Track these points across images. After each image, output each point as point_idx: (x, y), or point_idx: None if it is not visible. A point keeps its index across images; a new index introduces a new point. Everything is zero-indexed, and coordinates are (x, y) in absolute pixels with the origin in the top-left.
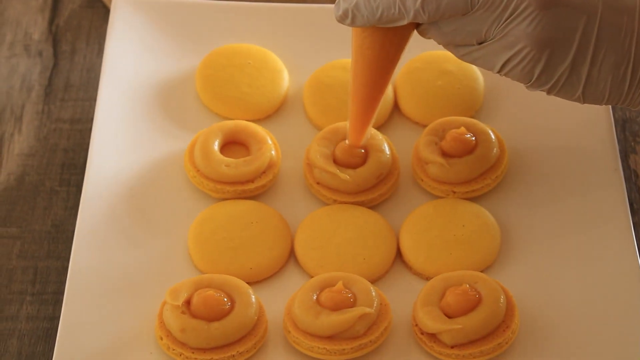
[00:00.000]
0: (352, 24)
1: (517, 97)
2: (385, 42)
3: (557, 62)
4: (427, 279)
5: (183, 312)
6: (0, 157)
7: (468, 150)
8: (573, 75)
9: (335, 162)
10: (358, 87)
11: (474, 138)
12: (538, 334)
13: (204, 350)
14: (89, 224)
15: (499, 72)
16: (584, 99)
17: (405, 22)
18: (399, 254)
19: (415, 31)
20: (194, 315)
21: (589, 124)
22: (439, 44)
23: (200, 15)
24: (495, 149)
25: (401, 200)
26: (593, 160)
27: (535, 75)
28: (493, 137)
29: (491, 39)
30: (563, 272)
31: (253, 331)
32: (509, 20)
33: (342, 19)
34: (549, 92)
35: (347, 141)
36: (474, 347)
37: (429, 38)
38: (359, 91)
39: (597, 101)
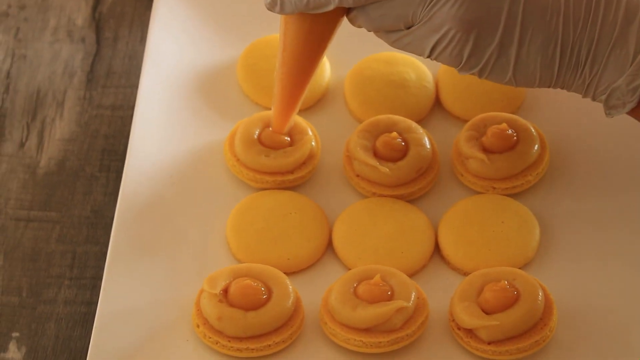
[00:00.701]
0: (281, 11)
1: (560, 92)
2: (313, 29)
3: (485, 43)
4: (465, 274)
5: (220, 301)
6: (41, 142)
7: (509, 146)
8: (502, 57)
9: (376, 155)
10: (284, 74)
11: (515, 134)
12: (576, 333)
13: (240, 339)
14: (128, 210)
15: (429, 56)
16: (516, 81)
17: (332, 6)
18: (437, 248)
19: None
20: (231, 304)
21: (631, 121)
22: (370, 31)
23: (243, 5)
24: (536, 145)
25: (441, 195)
26: (636, 159)
27: (464, 58)
28: (534, 133)
29: (418, 23)
30: (603, 270)
31: (289, 322)
32: (433, 2)
33: (271, 7)
34: (480, 74)
35: (270, 128)
36: (510, 344)
37: (359, 26)
38: (285, 78)
39: (529, 84)
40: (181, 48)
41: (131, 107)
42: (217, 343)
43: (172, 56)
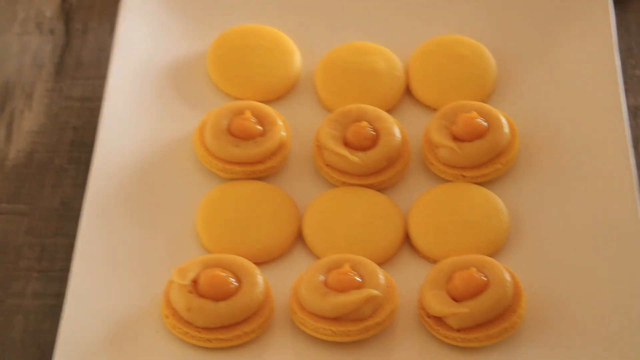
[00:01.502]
0: None
1: (530, 82)
2: None
3: None
4: (435, 262)
5: (190, 291)
6: (10, 134)
7: (479, 134)
8: None
9: (346, 144)
10: None
11: (485, 123)
12: (545, 319)
13: (209, 329)
14: (97, 202)
15: None
16: None
17: None
18: (407, 237)
19: None
20: (201, 295)
21: (601, 111)
22: None
23: None
24: (506, 134)
25: (411, 183)
26: (604, 147)
27: None
28: (504, 122)
29: None
30: (571, 258)
31: (259, 311)
32: None
33: None
34: None
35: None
36: (480, 331)
37: None
38: None
39: None
40: (150, 39)
41: (100, 99)
42: (186, 334)
43: (142, 47)
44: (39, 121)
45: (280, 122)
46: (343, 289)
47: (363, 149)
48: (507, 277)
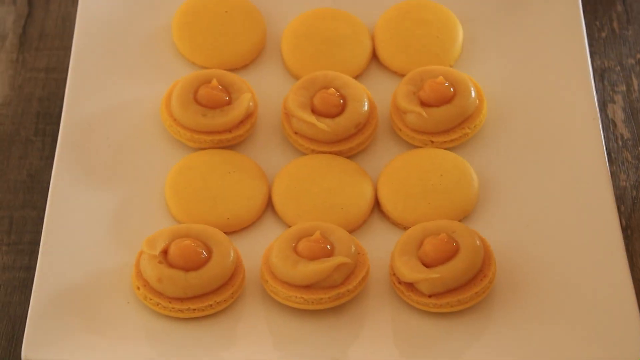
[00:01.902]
0: None
1: (496, 46)
2: None
3: None
4: (405, 228)
5: (160, 262)
6: None
7: (446, 99)
8: None
9: (313, 111)
10: None
11: (452, 88)
12: (516, 284)
13: (181, 299)
14: (64, 174)
15: None
16: None
17: None
18: (377, 203)
19: None
20: (171, 265)
21: (568, 74)
22: None
23: None
24: (473, 98)
25: (379, 149)
26: (571, 110)
27: None
28: (472, 86)
29: None
30: (541, 221)
31: (230, 281)
32: None
33: None
34: None
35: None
36: (451, 296)
37: None
38: None
39: None
40: (115, 7)
41: (65, 70)
42: (157, 304)
43: (106, 16)
44: (3, 93)
45: (247, 90)
46: (314, 256)
47: (331, 115)
48: (478, 242)
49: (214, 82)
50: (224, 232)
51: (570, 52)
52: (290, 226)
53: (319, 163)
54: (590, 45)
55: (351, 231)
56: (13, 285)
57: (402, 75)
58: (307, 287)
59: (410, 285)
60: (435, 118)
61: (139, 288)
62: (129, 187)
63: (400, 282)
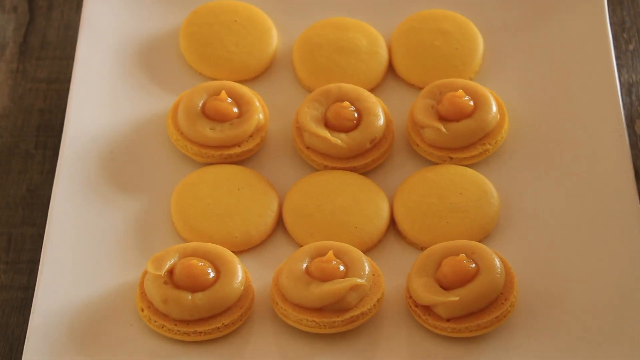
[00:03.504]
0: None
1: (519, 58)
2: None
3: None
4: (422, 249)
5: (165, 282)
6: None
7: (466, 114)
8: None
9: (327, 125)
10: None
11: (472, 101)
12: (538, 307)
13: (187, 322)
14: (66, 189)
15: None
16: None
17: None
18: (392, 222)
19: None
20: (177, 286)
21: (594, 88)
22: None
23: None
24: (494, 112)
25: (395, 166)
26: (597, 126)
27: None
28: (492, 100)
29: None
30: (565, 242)
31: (239, 303)
32: None
33: None
34: None
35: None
36: (470, 321)
37: None
38: None
39: None
40: (120, 16)
41: (68, 80)
42: (162, 327)
43: (110, 25)
44: (3, 104)
45: (257, 103)
46: (326, 278)
47: (345, 130)
48: (498, 263)
49: (223, 94)
50: (233, 252)
51: (596, 65)
52: (301, 245)
53: (332, 180)
54: (617, 58)
55: (366, 251)
56: (11, 305)
57: (420, 89)
58: (320, 309)
59: (428, 309)
60: (454, 133)
61: (143, 310)
62: (133, 204)
63: (416, 305)
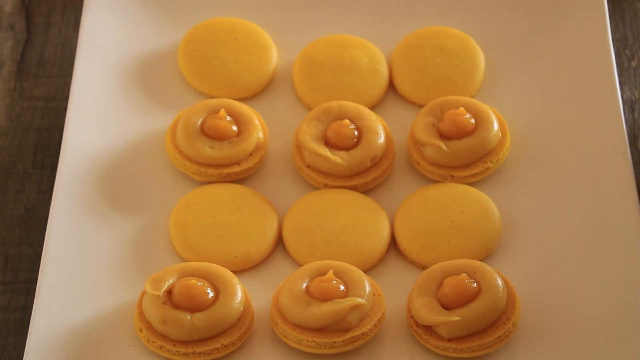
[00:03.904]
0: None
1: (520, 76)
2: None
3: None
4: (423, 268)
5: (164, 303)
6: None
7: (467, 132)
8: None
9: (327, 143)
10: None
11: (473, 119)
12: (541, 327)
13: (186, 342)
14: (63, 208)
15: None
16: None
17: None
18: (393, 241)
19: None
20: (176, 306)
21: (596, 105)
22: None
23: None
24: (496, 130)
25: (396, 184)
26: (600, 143)
27: None
28: (494, 118)
29: None
30: (567, 261)
31: (238, 323)
32: None
33: None
34: None
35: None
36: (472, 341)
37: None
38: None
39: None
40: (118, 34)
41: (65, 98)
42: (161, 348)
43: (108, 43)
44: (0, 123)
45: (256, 121)
46: (327, 297)
47: (345, 148)
48: (500, 282)
49: (222, 112)
50: (232, 271)
51: (599, 82)
52: (301, 265)
53: (333, 198)
54: (619, 75)
55: (366, 270)
56: (8, 326)
57: (421, 106)
58: (320, 330)
59: (429, 329)
60: (455, 151)
61: (141, 330)
62: (131, 223)
63: (418, 325)
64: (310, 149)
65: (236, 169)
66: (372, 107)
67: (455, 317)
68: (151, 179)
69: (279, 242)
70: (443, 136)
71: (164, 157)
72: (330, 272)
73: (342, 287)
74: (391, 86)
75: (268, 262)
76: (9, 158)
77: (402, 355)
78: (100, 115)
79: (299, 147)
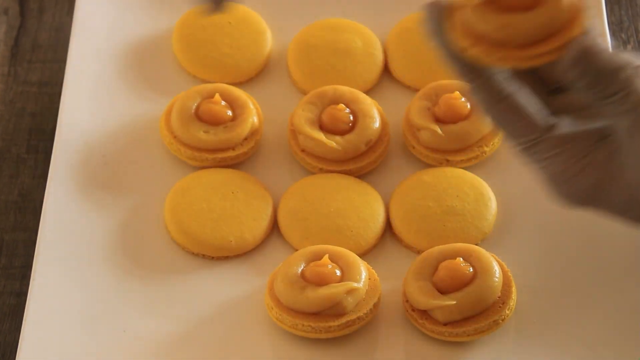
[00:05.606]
0: None
1: None
2: None
3: None
4: (419, 252)
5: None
6: None
7: (463, 115)
8: None
9: (322, 128)
10: None
11: (468, 103)
12: (536, 311)
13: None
14: (58, 193)
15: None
16: None
17: None
18: (388, 226)
19: None
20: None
21: None
22: None
23: None
24: None
25: (391, 169)
26: None
27: None
28: None
29: None
30: (564, 245)
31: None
32: None
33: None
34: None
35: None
36: (468, 325)
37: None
38: None
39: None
40: (112, 18)
41: (59, 83)
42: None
43: (102, 27)
44: None
45: (251, 106)
46: (322, 282)
47: (340, 132)
48: (496, 267)
49: (217, 97)
50: (226, 256)
51: None
52: (296, 250)
53: (328, 183)
54: None
55: (362, 255)
56: (3, 312)
57: (416, 90)
58: (315, 314)
59: (425, 313)
60: (451, 135)
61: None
62: (126, 208)
63: (413, 309)
64: (305, 133)
65: (231, 153)
66: (367, 92)
67: (450, 301)
68: (146, 164)
69: (274, 226)
70: (438, 120)
71: (158, 141)
72: (326, 257)
73: (337, 272)
74: (386, 70)
75: (263, 247)
76: (3, 143)
77: (398, 340)
78: (95, 100)
79: (294, 132)
